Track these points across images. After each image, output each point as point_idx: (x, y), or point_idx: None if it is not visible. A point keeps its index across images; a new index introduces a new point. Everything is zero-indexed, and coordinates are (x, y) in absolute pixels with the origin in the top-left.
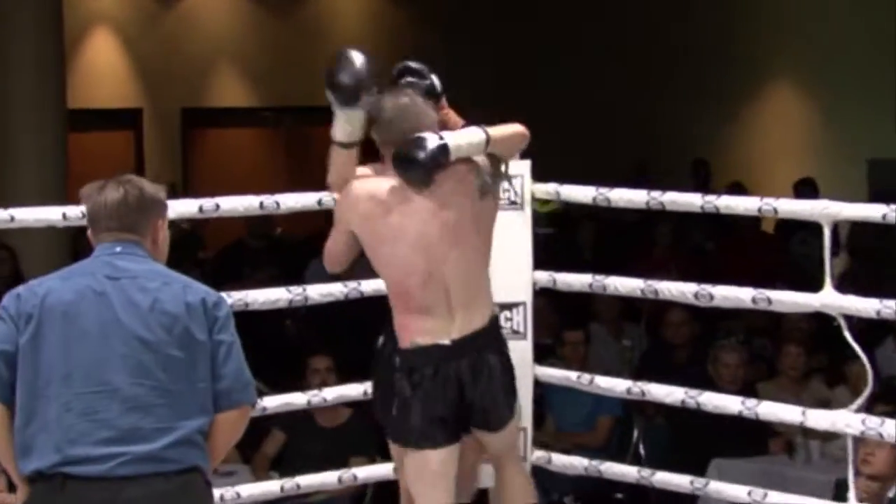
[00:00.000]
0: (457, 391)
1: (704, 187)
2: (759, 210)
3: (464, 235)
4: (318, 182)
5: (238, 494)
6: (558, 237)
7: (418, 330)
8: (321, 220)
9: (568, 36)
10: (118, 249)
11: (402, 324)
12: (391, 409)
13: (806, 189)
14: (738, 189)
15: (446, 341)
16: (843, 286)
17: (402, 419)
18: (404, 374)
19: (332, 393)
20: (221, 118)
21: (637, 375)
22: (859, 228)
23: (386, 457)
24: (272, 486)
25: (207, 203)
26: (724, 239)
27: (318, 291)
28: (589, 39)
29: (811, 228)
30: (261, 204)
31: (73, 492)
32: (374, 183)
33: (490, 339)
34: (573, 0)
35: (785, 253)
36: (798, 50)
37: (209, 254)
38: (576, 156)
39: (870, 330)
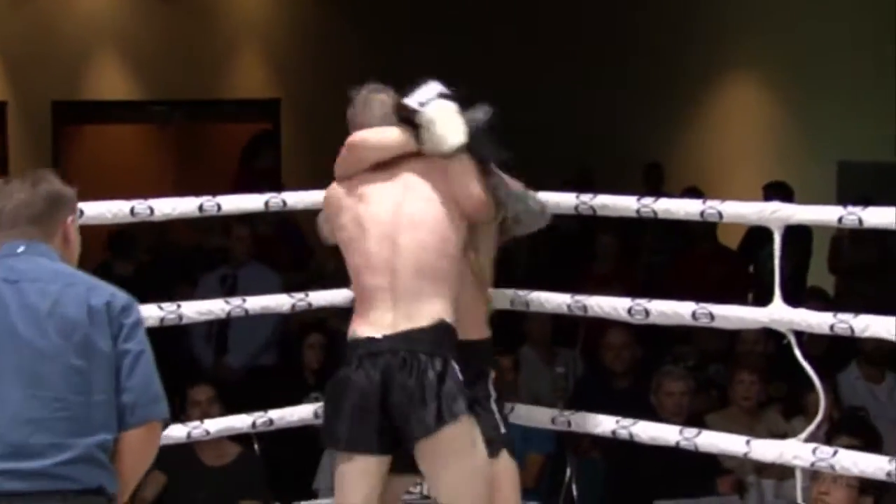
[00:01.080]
0: (380, 391)
1: (656, 194)
2: (702, 214)
3: (423, 227)
4: (212, 183)
5: None
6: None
7: (363, 320)
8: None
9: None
10: (21, 249)
11: (354, 316)
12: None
13: (777, 194)
14: (693, 195)
15: (378, 335)
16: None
17: (327, 415)
18: (343, 366)
19: (216, 425)
20: (99, 113)
21: (571, 405)
22: (845, 244)
23: (282, 499)
24: None
25: None
26: (677, 253)
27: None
28: (542, 26)
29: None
30: (132, 210)
31: None
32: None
33: (429, 343)
34: None
35: (746, 269)
36: (763, 43)
37: None
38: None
39: (832, 353)
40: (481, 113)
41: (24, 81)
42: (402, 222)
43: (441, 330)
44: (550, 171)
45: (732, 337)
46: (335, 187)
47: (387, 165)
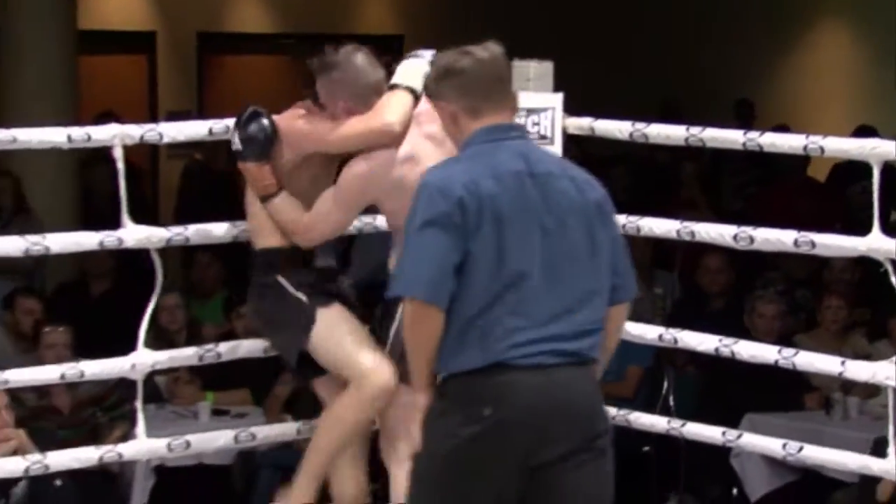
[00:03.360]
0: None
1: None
2: (805, 149)
3: None
4: None
5: (253, 436)
6: None
7: None
8: None
9: None
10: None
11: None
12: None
13: (866, 136)
14: (783, 132)
15: None
16: None
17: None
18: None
19: None
20: (239, 44)
21: (669, 325)
22: None
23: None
24: (288, 428)
25: (217, 125)
26: (764, 184)
27: None
28: None
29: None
30: None
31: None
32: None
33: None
34: None
35: (836, 202)
36: None
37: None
38: (604, 91)
39: None
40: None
41: (172, 13)
42: None
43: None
44: (635, 100)
45: (817, 264)
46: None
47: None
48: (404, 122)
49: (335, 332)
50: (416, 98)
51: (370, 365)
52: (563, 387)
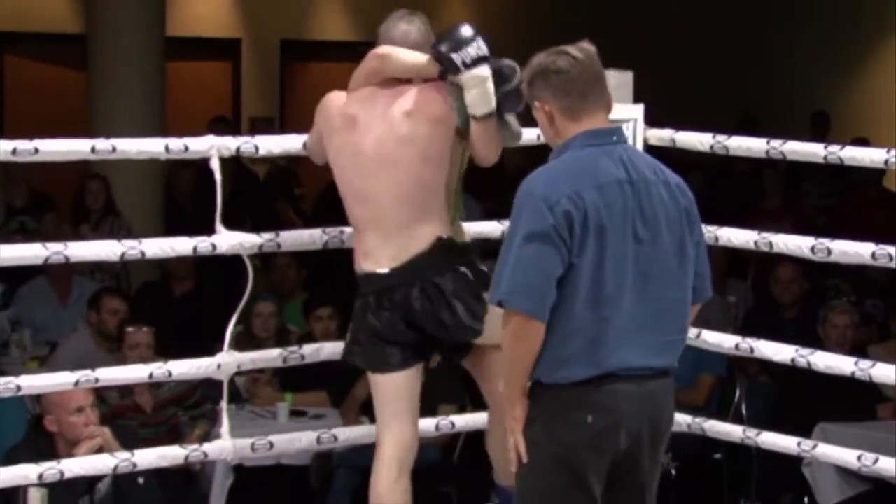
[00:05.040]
0: (403, 318)
1: (823, 142)
2: (887, 163)
3: (398, 155)
4: None
5: (334, 437)
6: None
7: (361, 253)
8: None
9: None
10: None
11: (354, 246)
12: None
13: None
14: (861, 145)
15: (385, 269)
16: None
17: (353, 340)
18: (358, 298)
19: None
20: (321, 51)
21: (741, 333)
22: None
23: (477, 407)
24: (367, 430)
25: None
26: (842, 195)
27: None
28: None
29: None
30: None
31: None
32: (344, 98)
33: (433, 262)
34: None
35: None
36: None
37: (304, 190)
38: (685, 103)
39: None
40: (515, 82)
41: (257, 21)
42: (382, 158)
43: (440, 244)
44: (714, 110)
45: (888, 275)
46: (335, 97)
47: (388, 85)
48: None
49: None
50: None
51: None
52: (654, 397)
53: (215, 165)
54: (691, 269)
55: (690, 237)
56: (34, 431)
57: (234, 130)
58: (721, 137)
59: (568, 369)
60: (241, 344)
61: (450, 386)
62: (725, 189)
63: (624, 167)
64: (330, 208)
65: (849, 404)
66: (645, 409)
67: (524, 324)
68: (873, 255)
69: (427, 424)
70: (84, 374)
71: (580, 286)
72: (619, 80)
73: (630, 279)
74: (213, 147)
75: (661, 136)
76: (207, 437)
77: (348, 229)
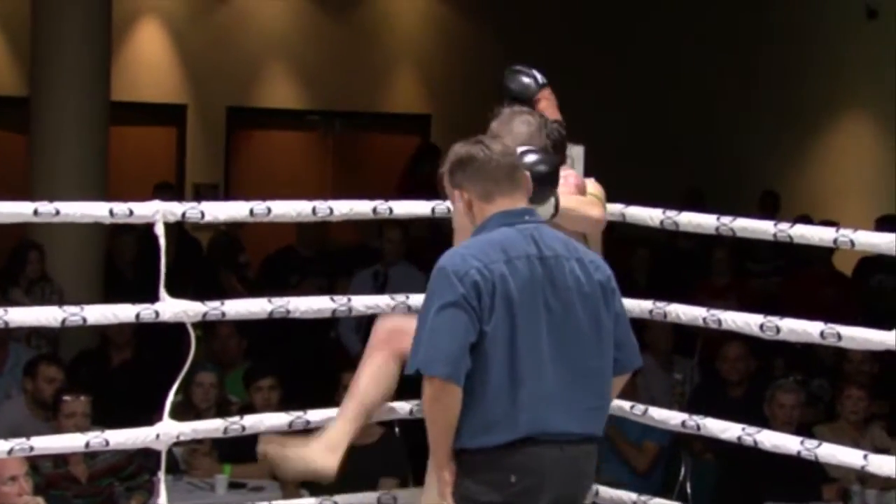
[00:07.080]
0: None
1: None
2: (835, 242)
3: None
4: (365, 189)
5: None
6: (611, 263)
7: None
8: (370, 230)
9: (639, 49)
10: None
11: None
12: None
13: (890, 227)
14: (805, 223)
15: None
16: None
17: None
18: None
19: None
20: (268, 119)
21: (688, 411)
22: None
23: (419, 482)
24: (304, 503)
25: (258, 206)
26: (789, 273)
27: (362, 303)
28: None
29: (889, 271)
30: (314, 209)
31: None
32: None
33: None
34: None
35: (858, 294)
36: (879, 84)
37: (247, 257)
38: (630, 178)
39: None
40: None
41: (203, 87)
42: None
43: None
44: (667, 190)
45: (835, 355)
46: None
47: None
48: None
49: None
50: None
51: None
52: (574, 462)
53: (160, 231)
54: (609, 340)
55: (606, 310)
56: None
57: (179, 196)
58: (671, 213)
59: (490, 434)
60: (180, 414)
61: (392, 459)
62: (671, 266)
63: (535, 243)
64: (274, 276)
65: (794, 484)
66: (567, 473)
67: (441, 388)
68: (822, 334)
69: (369, 499)
70: (18, 443)
71: (495, 353)
72: (571, 153)
73: (545, 347)
74: (158, 212)
75: (612, 210)
76: None
77: (294, 299)
